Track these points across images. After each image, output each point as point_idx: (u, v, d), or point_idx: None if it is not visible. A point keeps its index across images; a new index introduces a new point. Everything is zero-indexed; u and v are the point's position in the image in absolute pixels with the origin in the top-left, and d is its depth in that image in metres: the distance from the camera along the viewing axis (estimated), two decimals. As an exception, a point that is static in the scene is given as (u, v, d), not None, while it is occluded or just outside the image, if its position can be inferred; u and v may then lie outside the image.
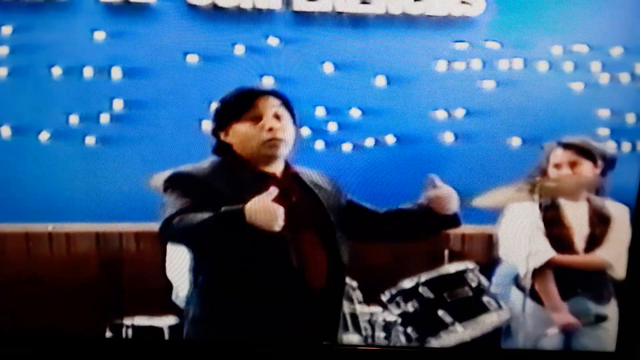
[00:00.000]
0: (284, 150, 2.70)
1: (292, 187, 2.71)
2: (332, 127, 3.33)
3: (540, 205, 3.26)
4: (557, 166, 3.30)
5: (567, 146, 3.29)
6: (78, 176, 3.27)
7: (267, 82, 3.21)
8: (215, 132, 2.76)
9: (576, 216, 3.34)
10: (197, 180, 2.62)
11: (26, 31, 3.18)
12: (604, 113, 3.35)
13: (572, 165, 3.28)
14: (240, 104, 2.70)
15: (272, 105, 2.71)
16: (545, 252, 3.29)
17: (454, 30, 3.27)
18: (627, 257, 3.27)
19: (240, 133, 2.68)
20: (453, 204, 2.78)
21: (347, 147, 3.36)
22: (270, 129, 2.66)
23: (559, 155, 3.30)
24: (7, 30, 3.18)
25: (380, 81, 3.29)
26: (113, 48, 3.20)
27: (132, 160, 3.26)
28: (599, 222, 3.33)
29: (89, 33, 3.18)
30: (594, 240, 3.32)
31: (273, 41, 3.21)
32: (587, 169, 3.29)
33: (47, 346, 3.22)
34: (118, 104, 3.26)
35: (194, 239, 2.57)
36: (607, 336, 3.29)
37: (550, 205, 3.32)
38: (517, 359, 3.39)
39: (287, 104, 2.76)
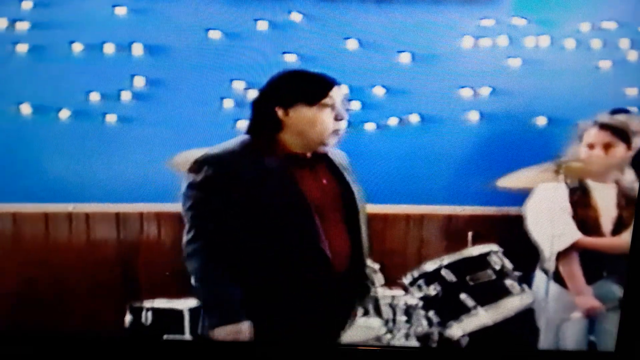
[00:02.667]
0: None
1: (322, 170, 2.80)
2: (356, 105, 3.33)
3: (567, 186, 3.31)
4: (591, 146, 3.30)
5: (603, 126, 3.29)
6: (98, 155, 3.30)
7: (290, 60, 3.21)
8: (271, 106, 2.78)
9: (604, 198, 3.36)
10: (227, 162, 2.69)
11: (47, 6, 3.19)
12: (632, 92, 3.33)
13: (606, 146, 3.29)
14: (319, 89, 2.76)
15: (341, 96, 2.80)
16: (571, 234, 3.31)
17: (480, 6, 3.27)
18: (627, 257, 3.30)
19: (307, 117, 2.74)
20: None
21: (370, 126, 3.37)
22: (341, 119, 2.77)
23: (593, 135, 3.30)
24: (27, 5, 3.19)
25: (405, 58, 3.30)
26: (134, 24, 3.21)
27: (154, 139, 3.28)
28: (627, 205, 3.34)
29: (110, 9, 3.18)
30: (622, 223, 3.34)
31: (296, 17, 3.22)
32: (621, 151, 3.30)
33: (61, 337, 3.32)
34: (139, 82, 3.27)
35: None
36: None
37: (578, 187, 3.35)
38: (517, 359, 3.46)
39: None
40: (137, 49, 3.24)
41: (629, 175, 3.36)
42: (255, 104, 2.83)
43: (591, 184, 3.37)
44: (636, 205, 3.28)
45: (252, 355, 2.95)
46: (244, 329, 2.67)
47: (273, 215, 2.69)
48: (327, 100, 2.74)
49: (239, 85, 3.25)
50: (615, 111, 3.30)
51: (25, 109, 3.28)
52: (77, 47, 3.23)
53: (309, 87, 2.77)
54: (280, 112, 2.75)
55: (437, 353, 3.33)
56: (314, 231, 2.71)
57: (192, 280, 2.70)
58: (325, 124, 2.74)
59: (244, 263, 2.69)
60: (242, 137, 2.80)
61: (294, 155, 2.76)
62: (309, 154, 2.79)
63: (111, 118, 3.30)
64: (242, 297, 2.68)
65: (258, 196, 2.68)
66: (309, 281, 2.73)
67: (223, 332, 2.66)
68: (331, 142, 2.77)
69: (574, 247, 3.32)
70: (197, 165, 2.70)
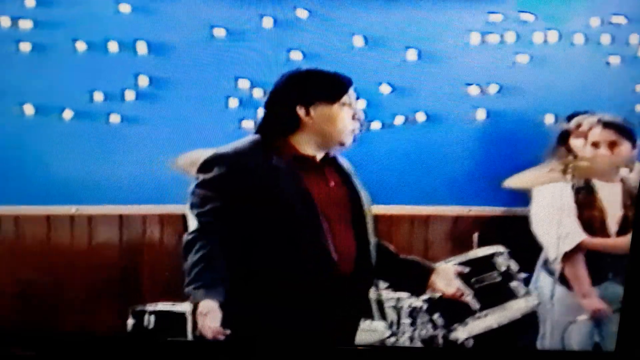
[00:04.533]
0: None
1: (330, 173, 2.85)
2: (361, 104, 3.33)
3: (572, 186, 3.35)
4: (595, 145, 3.36)
5: (607, 125, 3.35)
6: (101, 156, 3.36)
7: (295, 57, 3.28)
8: (291, 105, 2.81)
9: (609, 198, 3.41)
10: (237, 162, 2.73)
11: (49, 4, 3.24)
12: (643, 89, 3.39)
13: (611, 145, 3.35)
14: (338, 87, 2.82)
15: (355, 97, 2.85)
16: (576, 235, 3.37)
17: (487, 1, 3.33)
18: (628, 257, 3.34)
19: (328, 115, 2.79)
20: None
21: (376, 125, 3.45)
22: (358, 120, 2.83)
23: (597, 133, 3.36)
24: (30, 2, 3.24)
25: (412, 55, 3.36)
26: (138, 22, 3.26)
27: (157, 139, 3.35)
28: (633, 204, 3.38)
29: (114, 6, 3.24)
30: (627, 223, 3.39)
31: (302, 14, 3.28)
32: (626, 150, 3.36)
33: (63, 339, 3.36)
34: (143, 81, 3.33)
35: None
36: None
37: (583, 187, 3.40)
38: (517, 358, 3.51)
39: None
40: (141, 48, 3.29)
41: (635, 174, 3.42)
42: (271, 104, 2.86)
43: (597, 183, 3.42)
44: (636, 205, 3.34)
45: (255, 356, 3.02)
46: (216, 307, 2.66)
47: (280, 215, 2.73)
48: (346, 99, 2.81)
49: (244, 84, 3.32)
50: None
51: (28, 109, 3.33)
52: (81, 46, 3.28)
53: (329, 85, 2.83)
54: (301, 112, 2.79)
55: (442, 354, 3.39)
56: (320, 232, 2.75)
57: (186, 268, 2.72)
58: (345, 122, 2.80)
59: (248, 262, 2.73)
60: (252, 136, 2.84)
61: (304, 157, 2.80)
62: (318, 157, 2.84)
63: (115, 118, 3.36)
64: (228, 288, 2.70)
65: (266, 196, 2.72)
66: (313, 282, 2.76)
67: (203, 309, 2.65)
68: (348, 142, 2.82)
69: (579, 248, 3.38)
70: (207, 165, 2.74)
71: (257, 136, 2.83)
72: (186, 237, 2.71)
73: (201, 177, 2.74)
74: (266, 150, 2.77)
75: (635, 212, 3.33)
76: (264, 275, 2.74)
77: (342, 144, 2.82)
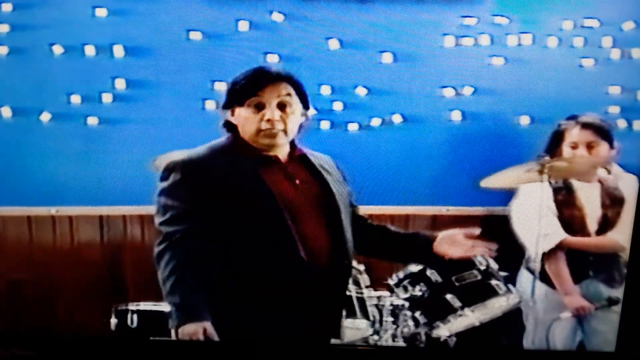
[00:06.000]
0: (282, 141, 2.81)
1: (296, 171, 2.86)
2: (338, 106, 3.47)
3: (551, 186, 3.40)
4: (573, 146, 3.39)
5: (585, 125, 3.39)
6: (80, 158, 3.40)
7: (271, 60, 3.34)
8: (224, 111, 2.87)
9: (588, 197, 3.45)
10: (194, 167, 2.74)
11: (26, 8, 3.30)
12: (615, 90, 3.48)
13: (589, 145, 3.38)
14: (246, 90, 2.80)
15: (278, 95, 2.80)
16: (556, 234, 3.40)
17: (462, 4, 3.39)
18: (627, 257, 3.37)
19: (242, 117, 2.80)
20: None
21: (353, 127, 3.50)
22: (269, 120, 2.77)
23: (576, 134, 3.39)
24: (7, 7, 3.30)
25: (387, 58, 3.42)
26: (115, 26, 3.32)
27: (136, 141, 3.39)
28: (612, 204, 3.44)
29: (90, 10, 3.29)
30: (606, 222, 3.43)
31: (278, 17, 3.33)
32: (604, 150, 3.39)
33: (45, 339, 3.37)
34: (120, 84, 3.38)
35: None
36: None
37: (562, 187, 3.45)
38: (516, 358, 3.54)
39: (299, 89, 2.86)
40: (118, 51, 3.35)
41: (612, 175, 3.47)
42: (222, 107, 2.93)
43: (575, 183, 3.46)
44: (636, 204, 3.35)
45: (242, 356, 3.01)
46: (200, 330, 2.66)
47: (242, 217, 2.73)
48: (256, 99, 2.80)
49: (220, 87, 3.35)
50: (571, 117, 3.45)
51: (6, 112, 3.39)
52: (58, 50, 3.34)
53: (241, 86, 2.83)
54: (229, 114, 2.86)
55: (426, 352, 3.42)
56: (284, 231, 2.74)
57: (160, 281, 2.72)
58: (254, 124, 2.79)
59: (214, 266, 2.73)
60: (215, 141, 2.85)
61: (266, 157, 2.82)
62: (282, 157, 2.85)
63: (92, 120, 3.41)
64: (205, 298, 2.70)
65: (226, 199, 2.72)
66: (285, 281, 2.76)
67: (184, 332, 2.66)
68: (267, 143, 2.81)
69: (560, 247, 3.41)
70: (164, 173, 2.76)
71: (219, 140, 2.86)
72: (155, 249, 2.73)
73: (161, 185, 2.76)
74: (229, 153, 2.81)
75: (635, 212, 3.34)
76: (234, 278, 2.74)
77: (266, 145, 2.82)
